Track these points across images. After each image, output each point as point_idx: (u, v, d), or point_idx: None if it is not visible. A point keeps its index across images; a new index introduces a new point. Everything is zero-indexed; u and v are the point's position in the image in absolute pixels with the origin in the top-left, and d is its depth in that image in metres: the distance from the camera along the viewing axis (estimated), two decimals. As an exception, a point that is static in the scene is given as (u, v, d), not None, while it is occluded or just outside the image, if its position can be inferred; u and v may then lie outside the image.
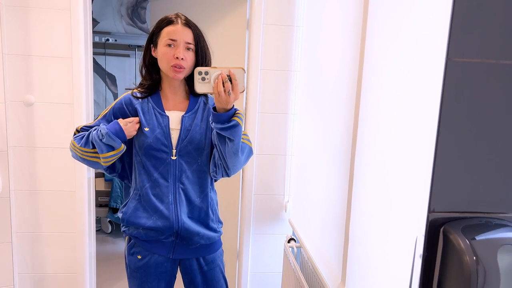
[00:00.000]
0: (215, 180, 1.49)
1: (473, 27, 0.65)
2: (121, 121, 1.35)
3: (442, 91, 0.65)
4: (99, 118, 1.43)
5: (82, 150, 1.35)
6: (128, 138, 1.36)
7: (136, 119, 1.37)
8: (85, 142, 1.35)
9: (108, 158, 1.33)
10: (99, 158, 1.34)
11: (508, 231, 0.66)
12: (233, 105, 1.27)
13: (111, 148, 1.32)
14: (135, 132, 1.37)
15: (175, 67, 1.33)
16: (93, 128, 1.36)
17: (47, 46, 1.98)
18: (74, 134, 1.41)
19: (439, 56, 0.67)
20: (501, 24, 0.65)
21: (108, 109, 1.43)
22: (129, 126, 1.35)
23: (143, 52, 1.42)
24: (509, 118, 0.68)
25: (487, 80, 0.66)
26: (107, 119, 1.41)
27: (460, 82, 0.66)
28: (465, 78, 0.66)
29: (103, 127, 1.33)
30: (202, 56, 1.38)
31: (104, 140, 1.30)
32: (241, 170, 2.26)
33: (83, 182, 2.11)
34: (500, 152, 0.69)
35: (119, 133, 1.33)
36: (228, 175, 1.40)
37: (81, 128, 1.41)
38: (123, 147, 1.35)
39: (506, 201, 0.70)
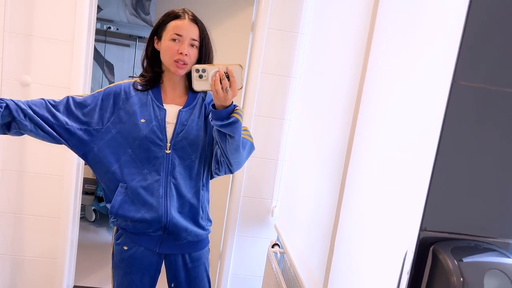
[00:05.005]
0: (212, 178, 1.49)
1: (480, 54, 0.66)
2: None
3: (445, 113, 0.66)
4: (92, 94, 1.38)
5: None
6: None
7: None
8: None
9: None
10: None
11: (496, 256, 0.68)
12: (232, 102, 1.27)
13: None
14: None
15: (178, 62, 1.32)
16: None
17: (50, 27, 1.96)
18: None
19: (444, 78, 0.68)
20: (508, 52, 0.67)
21: (103, 89, 1.39)
22: None
23: (146, 43, 1.42)
24: (507, 146, 0.70)
25: (489, 106, 0.68)
26: (95, 95, 1.37)
27: (463, 106, 0.67)
28: (468, 102, 0.67)
29: None
30: (205, 54, 1.38)
31: None
32: (232, 171, 2.26)
33: (72, 167, 2.09)
34: (495, 179, 0.71)
35: None
36: (231, 172, 1.41)
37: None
38: None
39: (496, 227, 0.71)
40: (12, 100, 1.26)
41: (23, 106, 1.26)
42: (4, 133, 1.29)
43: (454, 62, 0.65)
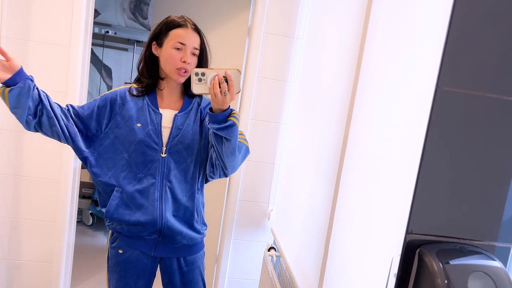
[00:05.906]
0: (207, 181, 1.50)
1: (464, 59, 0.67)
2: None
3: (429, 118, 0.67)
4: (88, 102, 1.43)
5: None
6: None
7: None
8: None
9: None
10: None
11: (481, 258, 0.68)
12: (229, 106, 1.29)
13: None
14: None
15: (180, 70, 1.35)
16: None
17: (46, 32, 1.97)
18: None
19: (429, 84, 0.69)
20: (490, 58, 0.68)
21: (99, 97, 1.42)
22: None
23: (144, 48, 1.43)
24: (491, 149, 0.71)
25: (472, 111, 0.69)
26: (92, 103, 1.41)
27: (447, 111, 0.68)
28: (452, 107, 0.68)
29: None
30: (205, 61, 1.42)
31: None
32: (228, 174, 2.27)
33: (68, 171, 2.09)
34: (480, 182, 0.72)
35: None
36: (226, 175, 1.42)
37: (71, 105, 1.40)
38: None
39: (481, 229, 0.72)
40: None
41: (47, 95, 1.31)
42: (29, 124, 1.28)
43: (437, 68, 0.66)
